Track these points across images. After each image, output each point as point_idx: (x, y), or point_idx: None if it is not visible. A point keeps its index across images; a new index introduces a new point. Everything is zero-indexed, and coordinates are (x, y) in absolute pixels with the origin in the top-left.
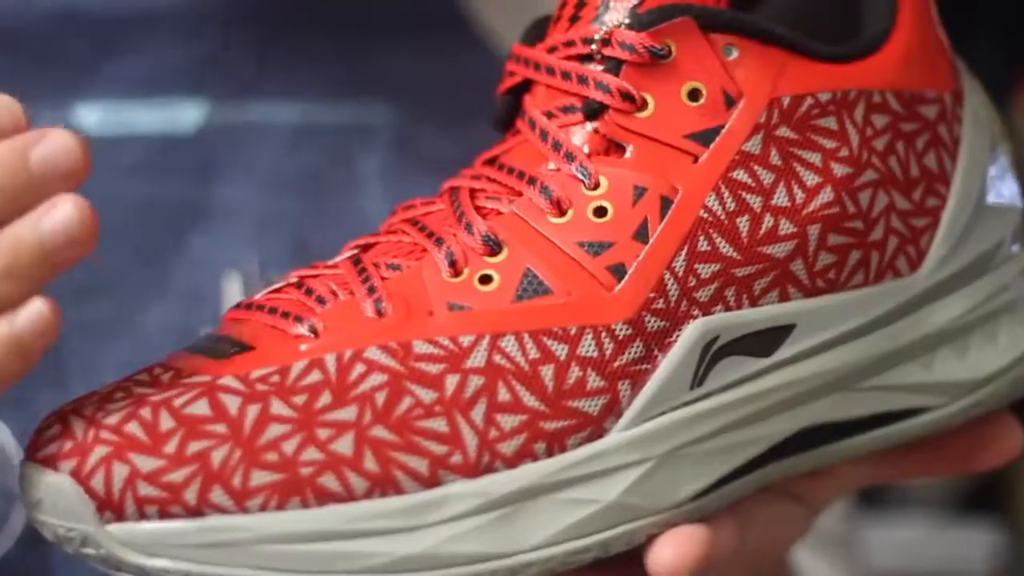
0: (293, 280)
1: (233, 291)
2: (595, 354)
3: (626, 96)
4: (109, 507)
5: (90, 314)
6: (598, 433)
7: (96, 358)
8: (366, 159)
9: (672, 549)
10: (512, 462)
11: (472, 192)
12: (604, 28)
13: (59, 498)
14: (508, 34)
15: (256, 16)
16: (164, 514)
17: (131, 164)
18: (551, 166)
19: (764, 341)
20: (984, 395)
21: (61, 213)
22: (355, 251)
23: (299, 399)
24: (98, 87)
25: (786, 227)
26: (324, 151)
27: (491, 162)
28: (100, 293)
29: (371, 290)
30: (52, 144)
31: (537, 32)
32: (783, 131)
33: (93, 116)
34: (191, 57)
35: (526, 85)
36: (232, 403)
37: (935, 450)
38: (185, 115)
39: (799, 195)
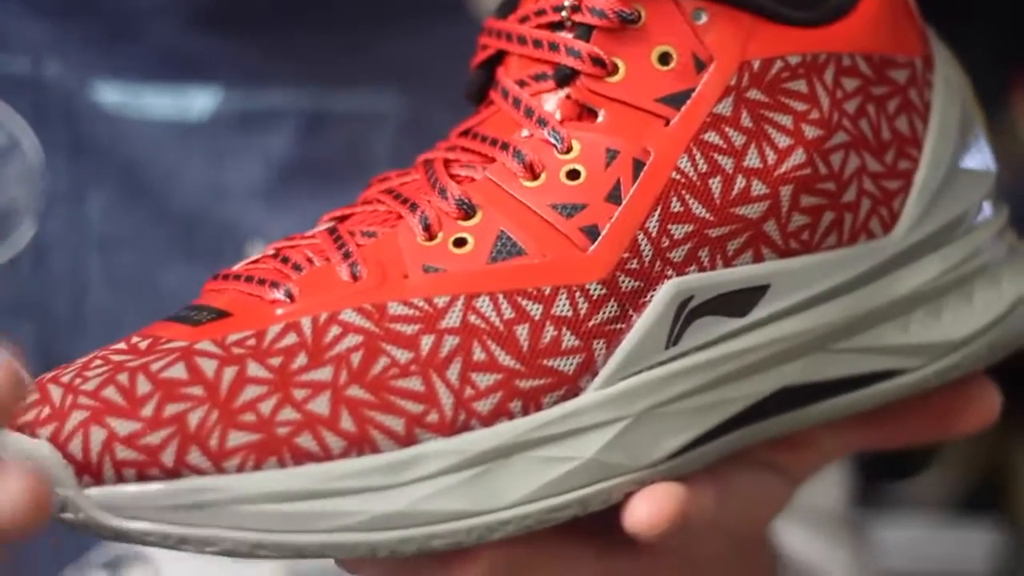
0: (270, 252)
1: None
2: (570, 313)
3: (597, 61)
4: (87, 471)
5: (115, 266)
6: (574, 392)
7: (117, 311)
8: (376, 144)
9: (648, 505)
10: (488, 420)
11: (447, 162)
12: None
13: (38, 464)
14: None
15: (267, 4)
16: (142, 476)
17: (150, 144)
18: (524, 133)
19: (739, 301)
20: (960, 357)
21: (11, 496)
22: (332, 222)
23: (275, 360)
24: (113, 70)
25: (758, 188)
26: (335, 137)
27: (465, 134)
28: (127, 247)
29: (346, 255)
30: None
31: (510, 5)
32: (753, 93)
33: (111, 96)
34: (203, 45)
35: (499, 58)
36: (209, 366)
37: (913, 415)
38: (197, 102)
39: (771, 156)
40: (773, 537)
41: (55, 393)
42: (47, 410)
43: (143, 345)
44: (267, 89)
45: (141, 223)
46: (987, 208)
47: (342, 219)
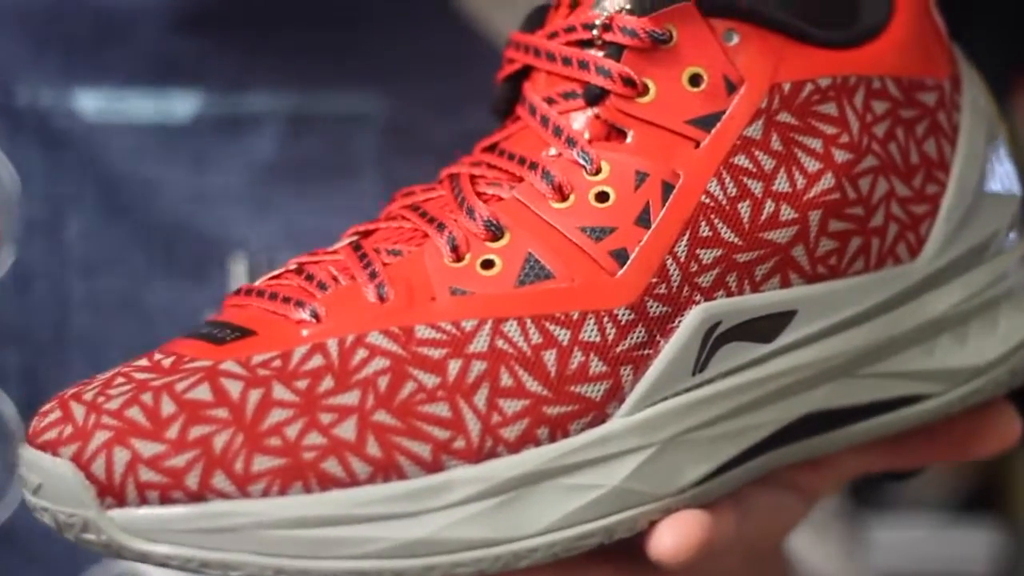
0: (292, 266)
1: (239, 273)
2: (597, 339)
3: (627, 81)
4: (110, 492)
5: (96, 290)
6: (601, 418)
7: (101, 334)
8: (360, 146)
9: (673, 534)
10: (515, 447)
11: (472, 178)
12: (605, 13)
13: (60, 483)
14: (495, 19)
15: (249, 7)
16: (165, 499)
17: (131, 150)
18: (552, 152)
19: (766, 327)
20: (983, 382)
21: None
22: (355, 237)
23: (301, 383)
24: (96, 75)
25: (787, 213)
26: (318, 140)
27: (491, 149)
28: (107, 269)
29: (373, 275)
30: None
31: (536, 19)
32: (784, 116)
33: (92, 102)
34: (186, 48)
35: (525, 72)
36: (234, 388)
37: (933, 438)
38: (181, 105)
39: (800, 181)
40: (786, 548)
41: (78, 411)
42: (70, 428)
43: (166, 363)
44: (250, 92)
45: (121, 243)
46: (1012, 232)
47: (365, 234)
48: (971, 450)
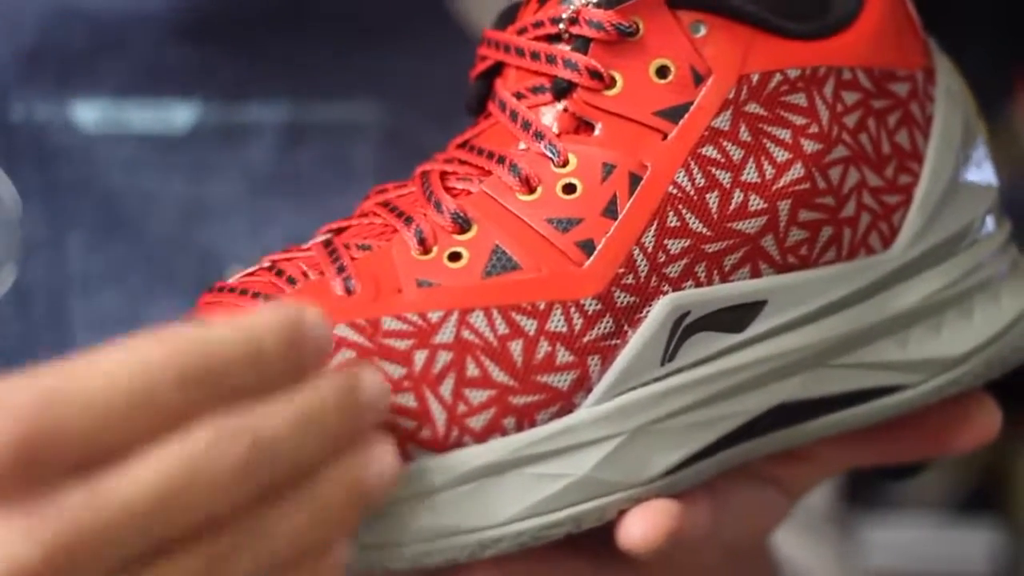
0: (266, 264)
1: None
2: (564, 329)
3: (594, 74)
4: None
5: (98, 306)
6: (568, 408)
7: None
8: (358, 156)
9: (643, 523)
10: (481, 436)
11: (443, 174)
12: (572, 7)
13: None
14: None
15: (247, 16)
16: None
17: (129, 161)
18: (521, 146)
19: (735, 317)
20: (959, 373)
21: (384, 464)
22: (328, 234)
23: None
24: (93, 85)
25: (756, 203)
26: (319, 150)
27: (463, 146)
28: (109, 285)
29: (340, 269)
30: (375, 386)
31: (508, 17)
32: (752, 107)
33: (89, 114)
34: (184, 58)
35: (498, 69)
36: None
37: (913, 431)
38: (179, 115)
39: (769, 171)
40: (771, 546)
41: None
42: None
43: None
44: (247, 101)
45: (121, 258)
46: (989, 222)
47: (339, 231)
48: (950, 443)
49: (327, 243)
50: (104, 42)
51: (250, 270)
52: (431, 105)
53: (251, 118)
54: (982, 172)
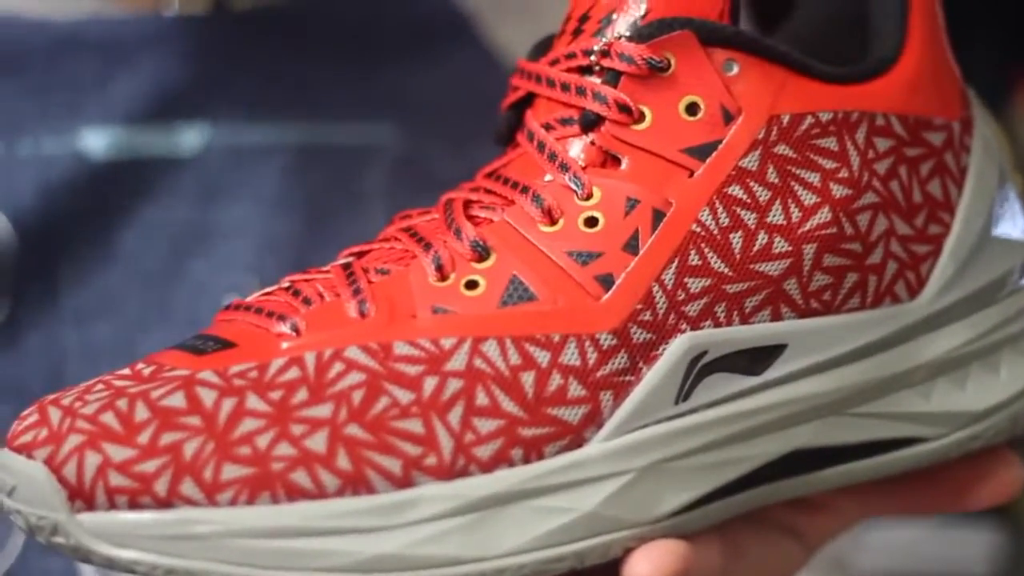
0: (285, 284)
1: None
2: (578, 363)
3: (623, 108)
4: (80, 496)
5: (91, 337)
6: (577, 442)
7: None
8: (370, 179)
9: (649, 562)
10: (487, 467)
11: (467, 202)
12: (604, 40)
13: (32, 486)
14: (515, 51)
15: (258, 37)
16: (134, 504)
17: (135, 188)
18: (547, 177)
19: (754, 359)
20: (983, 428)
21: None
22: (349, 258)
23: (275, 395)
24: (103, 112)
25: (780, 245)
26: (327, 172)
27: (490, 175)
28: (102, 316)
29: (356, 291)
30: None
31: (543, 48)
32: (782, 149)
33: (98, 141)
34: (193, 80)
35: (529, 100)
36: (208, 396)
37: (932, 485)
38: (187, 138)
39: (795, 214)
40: None
41: (54, 415)
42: (44, 432)
43: (146, 372)
44: (258, 123)
45: (115, 291)
46: (1021, 277)
47: (359, 255)
48: (970, 499)
49: (346, 266)
50: (113, 68)
51: (268, 289)
52: (446, 130)
53: (261, 141)
54: (1015, 225)
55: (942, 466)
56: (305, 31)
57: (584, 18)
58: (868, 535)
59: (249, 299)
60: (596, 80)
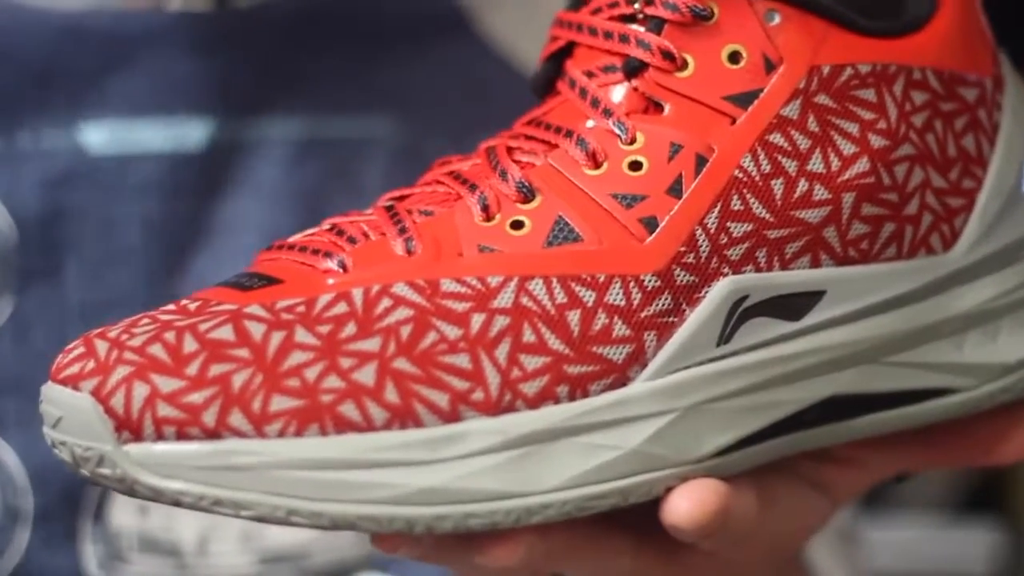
0: (326, 226)
1: None
2: (623, 303)
3: (667, 55)
4: (127, 427)
5: None
6: (621, 381)
7: None
8: (371, 172)
9: (690, 499)
10: (533, 403)
11: (509, 149)
12: None
13: (78, 417)
14: (513, 43)
15: (260, 32)
16: (181, 435)
17: (137, 183)
18: (590, 123)
19: (793, 305)
20: (1013, 380)
21: None
22: (390, 201)
23: (324, 328)
24: (104, 105)
25: (820, 193)
26: (329, 165)
27: (530, 123)
28: (105, 312)
29: (402, 230)
30: None
31: (581, 0)
32: (822, 99)
33: (99, 135)
34: (196, 74)
35: (568, 51)
36: (256, 329)
37: (960, 439)
38: (190, 132)
39: (835, 163)
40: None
41: (101, 347)
42: (92, 363)
43: (192, 307)
44: (259, 117)
45: (119, 285)
46: None
47: (401, 199)
48: (994, 454)
49: (389, 208)
50: (114, 61)
51: (311, 231)
52: (447, 123)
53: (264, 135)
54: None
55: (970, 419)
56: (305, 26)
57: None
58: (868, 535)
59: (292, 239)
60: (639, 28)
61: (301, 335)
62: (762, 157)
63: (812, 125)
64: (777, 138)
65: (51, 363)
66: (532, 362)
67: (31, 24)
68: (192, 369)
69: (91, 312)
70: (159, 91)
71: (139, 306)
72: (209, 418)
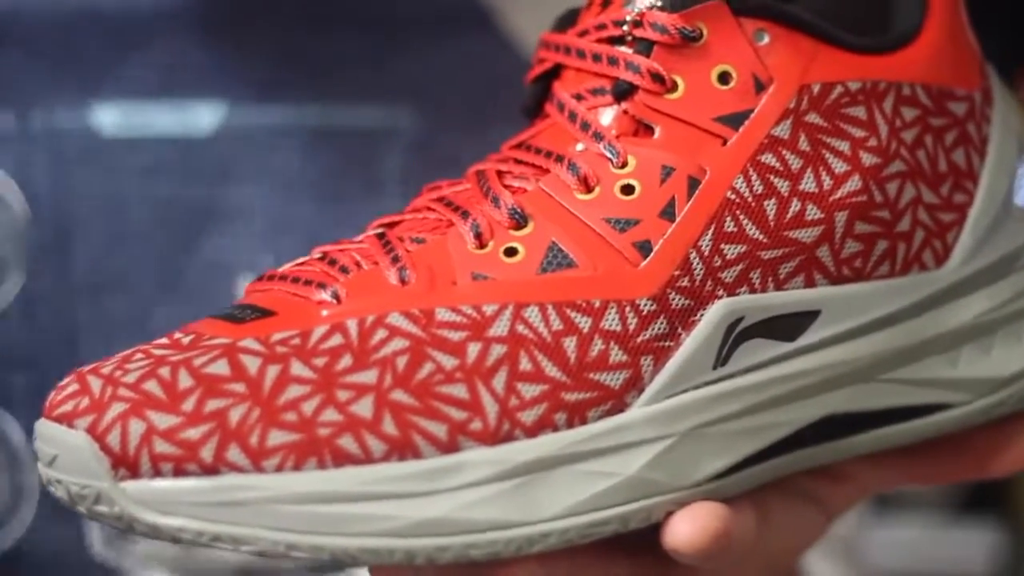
0: (317, 255)
1: None
2: (619, 328)
3: (656, 77)
4: (124, 464)
5: (105, 312)
6: (619, 407)
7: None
8: (386, 162)
9: (690, 523)
10: (532, 431)
11: (499, 173)
12: (636, 10)
13: (74, 455)
14: (532, 34)
15: (274, 17)
16: (179, 472)
17: (148, 165)
18: (580, 147)
19: (789, 325)
20: (1007, 394)
21: None
22: (380, 228)
23: (319, 361)
24: (116, 88)
25: (813, 212)
26: (343, 154)
27: (518, 146)
28: (115, 291)
29: (395, 259)
30: None
31: (568, 20)
32: (812, 117)
33: (111, 117)
34: (208, 59)
35: (555, 72)
36: (252, 363)
37: (954, 454)
38: (202, 117)
39: (827, 181)
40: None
41: (95, 384)
42: (86, 400)
43: (185, 341)
44: (273, 104)
45: (129, 266)
46: None
47: (391, 225)
48: (990, 467)
49: (380, 235)
50: (127, 44)
51: (300, 260)
52: (462, 113)
53: (276, 121)
54: None
55: (964, 434)
56: (322, 13)
57: None
58: (868, 535)
59: (283, 269)
60: (628, 50)
61: (297, 368)
62: (754, 178)
63: (803, 144)
64: (769, 158)
65: (59, 341)
66: (530, 390)
67: (45, 7)
68: (188, 405)
69: (99, 291)
70: (172, 74)
71: (147, 287)
72: (206, 454)
